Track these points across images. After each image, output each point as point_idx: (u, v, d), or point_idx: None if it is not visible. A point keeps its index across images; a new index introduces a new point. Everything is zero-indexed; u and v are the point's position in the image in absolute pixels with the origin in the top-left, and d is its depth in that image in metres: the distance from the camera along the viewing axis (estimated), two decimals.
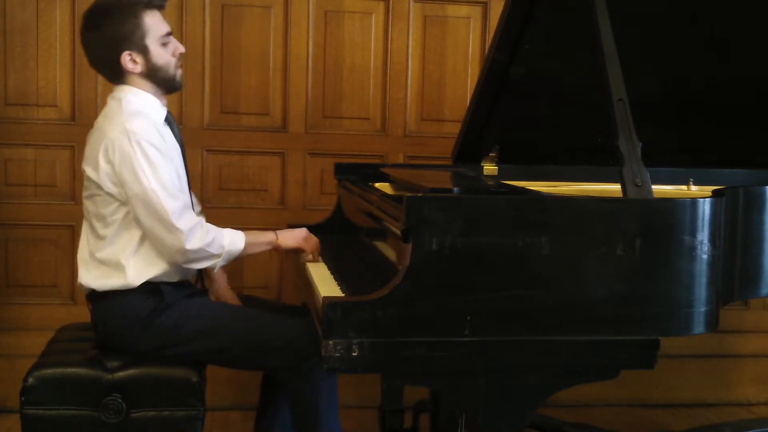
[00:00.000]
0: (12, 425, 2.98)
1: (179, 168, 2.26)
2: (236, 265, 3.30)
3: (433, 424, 2.67)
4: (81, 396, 2.11)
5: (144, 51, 2.20)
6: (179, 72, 2.29)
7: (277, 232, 2.35)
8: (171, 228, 2.12)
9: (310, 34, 3.33)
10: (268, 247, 2.34)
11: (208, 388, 2.24)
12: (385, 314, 1.66)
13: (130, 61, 2.20)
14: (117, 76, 2.24)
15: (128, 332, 2.19)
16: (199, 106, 3.29)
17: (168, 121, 2.28)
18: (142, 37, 2.19)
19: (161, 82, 2.25)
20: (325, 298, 1.69)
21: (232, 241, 2.21)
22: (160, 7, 2.24)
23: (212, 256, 2.18)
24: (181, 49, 2.28)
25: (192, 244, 2.13)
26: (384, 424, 2.75)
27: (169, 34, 2.25)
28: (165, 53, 2.23)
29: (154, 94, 2.26)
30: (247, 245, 2.23)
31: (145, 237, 2.18)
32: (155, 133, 2.17)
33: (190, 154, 3.25)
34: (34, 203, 3.25)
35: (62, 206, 3.25)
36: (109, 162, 2.13)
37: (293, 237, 2.36)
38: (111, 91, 2.28)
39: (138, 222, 2.16)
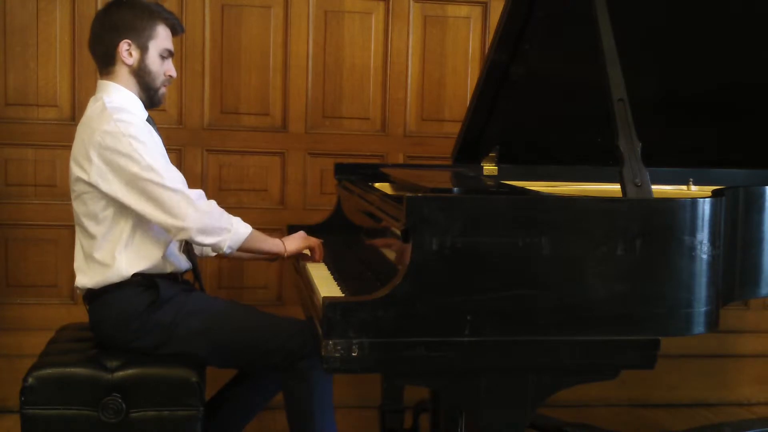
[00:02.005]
0: (12, 425, 2.98)
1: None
2: (236, 264, 3.32)
3: (433, 424, 2.67)
4: (81, 396, 2.11)
5: (143, 49, 2.26)
6: (163, 90, 2.34)
7: (284, 240, 2.36)
8: (175, 194, 2.12)
9: (310, 34, 3.33)
10: (274, 249, 2.32)
11: (208, 388, 2.25)
12: (385, 314, 1.66)
13: (126, 50, 2.25)
14: (108, 61, 2.28)
15: (126, 329, 2.19)
16: (199, 106, 3.29)
17: (149, 121, 2.30)
18: (148, 38, 2.27)
19: (144, 87, 2.29)
20: (325, 298, 1.69)
21: (239, 222, 2.22)
22: (175, 31, 2.34)
23: (222, 228, 2.16)
24: (174, 73, 2.34)
25: (200, 206, 2.13)
26: (384, 424, 2.75)
27: (171, 54, 2.33)
28: (159, 64, 2.30)
29: (137, 95, 2.29)
30: (253, 235, 2.23)
31: (134, 231, 2.20)
32: (142, 123, 2.22)
33: (190, 153, 3.28)
34: (34, 203, 3.25)
35: (62, 206, 3.24)
36: (102, 155, 2.14)
37: (296, 239, 2.37)
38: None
39: (140, 205, 2.14)
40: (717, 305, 1.84)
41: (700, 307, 1.78)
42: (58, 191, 3.25)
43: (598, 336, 1.76)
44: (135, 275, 2.20)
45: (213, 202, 2.20)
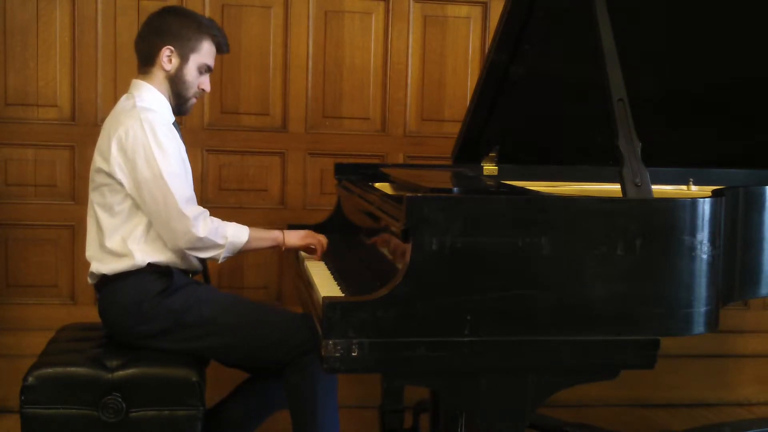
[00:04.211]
0: (12, 425, 2.98)
1: (187, 166, 2.35)
2: (236, 265, 3.32)
3: (433, 424, 2.67)
4: (81, 395, 2.11)
5: (183, 59, 2.34)
6: (193, 101, 2.43)
7: (284, 231, 2.41)
8: (178, 213, 2.19)
9: (310, 34, 3.33)
10: (273, 244, 2.38)
11: (208, 388, 2.25)
12: (385, 314, 1.66)
13: (167, 56, 2.33)
14: (147, 62, 2.36)
15: (137, 312, 2.22)
16: (199, 106, 3.29)
17: (174, 126, 2.35)
18: (192, 49, 2.34)
19: (176, 93, 2.37)
20: (325, 298, 1.68)
21: (236, 233, 2.27)
22: (220, 50, 2.41)
23: (216, 245, 2.24)
24: (207, 87, 2.42)
25: (197, 230, 2.20)
26: (384, 424, 2.75)
27: (209, 70, 2.39)
28: (195, 77, 2.37)
29: (167, 99, 2.36)
30: (251, 239, 2.30)
31: (150, 226, 2.25)
32: (167, 125, 2.28)
33: (190, 154, 3.27)
34: (34, 203, 3.25)
35: (62, 206, 3.25)
36: (122, 149, 2.21)
37: (298, 235, 2.42)
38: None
39: (144, 207, 2.22)
40: (717, 305, 1.84)
41: (700, 307, 1.78)
42: (58, 191, 3.25)
43: (598, 336, 1.76)
44: (150, 264, 2.25)
45: (212, 222, 2.24)
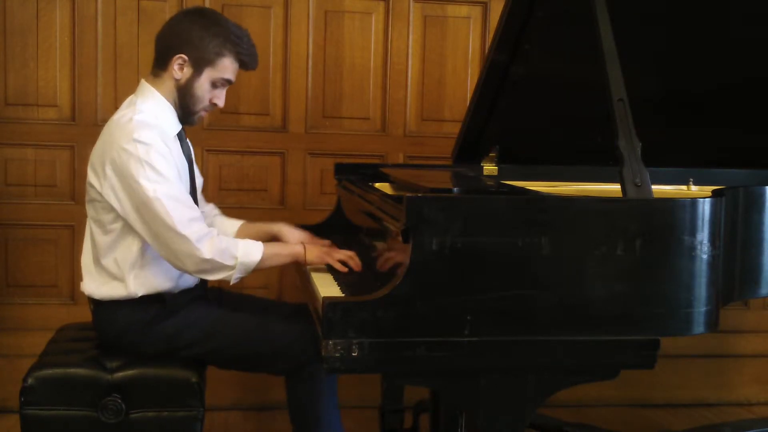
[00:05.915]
0: (12, 425, 2.98)
1: (186, 182, 2.24)
2: None
3: (433, 424, 2.67)
4: (80, 396, 2.11)
5: (196, 70, 2.18)
6: (202, 115, 2.26)
7: (306, 245, 2.24)
8: (177, 235, 2.05)
9: (310, 34, 3.33)
10: (291, 260, 2.22)
11: (208, 388, 2.25)
12: (385, 314, 1.66)
13: (179, 65, 2.17)
14: (159, 65, 2.21)
15: (130, 336, 2.19)
16: None
17: (180, 136, 2.25)
18: (207, 63, 2.17)
19: (183, 105, 2.21)
20: (325, 298, 1.68)
21: (247, 252, 2.12)
22: (244, 66, 2.23)
23: (225, 267, 2.09)
24: (221, 102, 2.24)
25: (201, 252, 2.05)
26: (384, 424, 2.75)
27: (225, 84, 2.23)
28: (207, 91, 2.21)
29: (173, 107, 2.22)
30: (265, 257, 2.13)
31: (145, 250, 2.16)
32: (162, 144, 2.12)
33: None
34: (34, 203, 3.25)
35: (62, 206, 3.25)
36: (116, 171, 2.09)
37: (319, 255, 2.21)
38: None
39: (144, 231, 2.10)
40: (717, 305, 1.84)
41: (700, 307, 1.78)
42: (58, 191, 3.25)
43: (598, 336, 1.76)
44: (143, 296, 2.18)
45: (220, 243, 2.09)
